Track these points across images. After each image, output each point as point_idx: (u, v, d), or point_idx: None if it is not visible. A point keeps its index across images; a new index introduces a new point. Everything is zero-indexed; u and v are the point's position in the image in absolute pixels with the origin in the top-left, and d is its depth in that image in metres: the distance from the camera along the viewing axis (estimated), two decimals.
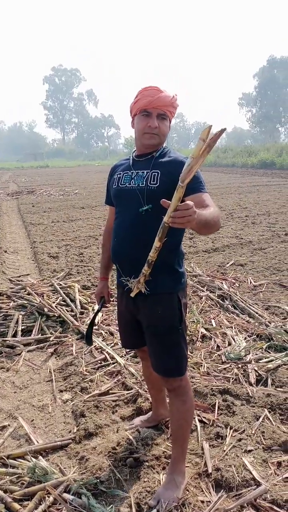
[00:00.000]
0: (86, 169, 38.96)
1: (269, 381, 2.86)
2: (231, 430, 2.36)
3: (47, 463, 2.15)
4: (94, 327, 3.41)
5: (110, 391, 2.85)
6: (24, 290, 4.49)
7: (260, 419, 2.44)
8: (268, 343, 3.37)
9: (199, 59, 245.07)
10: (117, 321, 2.48)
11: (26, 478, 2.06)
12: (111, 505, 1.90)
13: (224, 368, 3.06)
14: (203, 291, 4.64)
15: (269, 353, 3.26)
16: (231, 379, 2.91)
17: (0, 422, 2.61)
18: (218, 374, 2.98)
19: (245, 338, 3.49)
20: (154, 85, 1.85)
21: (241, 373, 2.97)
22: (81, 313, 4.15)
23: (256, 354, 3.22)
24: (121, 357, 3.27)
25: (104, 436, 2.41)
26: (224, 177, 22.59)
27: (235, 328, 3.71)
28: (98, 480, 2.03)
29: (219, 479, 2.01)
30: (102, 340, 3.55)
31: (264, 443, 2.26)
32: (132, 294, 1.80)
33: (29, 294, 4.35)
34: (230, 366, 3.08)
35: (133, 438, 2.33)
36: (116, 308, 2.22)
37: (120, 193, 1.93)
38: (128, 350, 3.31)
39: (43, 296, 4.31)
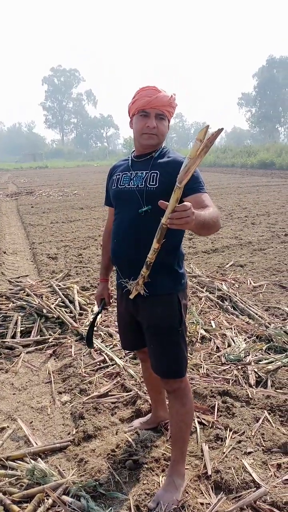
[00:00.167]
0: (85, 169, 38.96)
1: (269, 383, 2.85)
2: (231, 432, 2.36)
3: (46, 465, 2.14)
4: (94, 328, 3.41)
5: (109, 393, 2.85)
6: (23, 291, 4.48)
7: (260, 421, 2.44)
8: (268, 344, 3.36)
9: (199, 59, 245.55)
10: (116, 323, 2.48)
11: (25, 480, 2.06)
12: (110, 508, 1.89)
13: (224, 370, 3.05)
14: (202, 292, 4.63)
15: (269, 354, 3.25)
16: (230, 380, 2.90)
17: None
18: (218, 376, 2.97)
19: (245, 340, 3.49)
20: (152, 85, 1.84)
21: (241, 375, 2.96)
22: (80, 314, 4.14)
23: (256, 356, 3.21)
24: (120, 358, 3.26)
25: (103, 438, 2.40)
26: (224, 177, 22.59)
27: (234, 329, 3.71)
28: (97, 483, 2.03)
29: (218, 481, 2.00)
30: (101, 342, 3.55)
31: (264, 445, 2.26)
32: (131, 296, 1.80)
33: (28, 295, 4.34)
34: (230, 367, 3.07)
35: (132, 440, 2.32)
36: (116, 309, 2.21)
37: (119, 194, 1.92)
38: (127, 351, 3.31)
39: (42, 297, 4.30)
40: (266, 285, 4.93)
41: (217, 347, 3.40)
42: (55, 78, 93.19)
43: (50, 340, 3.67)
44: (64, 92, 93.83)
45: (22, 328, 3.81)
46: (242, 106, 75.91)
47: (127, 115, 1.94)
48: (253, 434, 2.34)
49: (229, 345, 3.41)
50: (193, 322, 3.74)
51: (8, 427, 2.57)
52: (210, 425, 2.45)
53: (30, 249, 7.49)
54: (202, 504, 1.90)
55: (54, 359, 3.46)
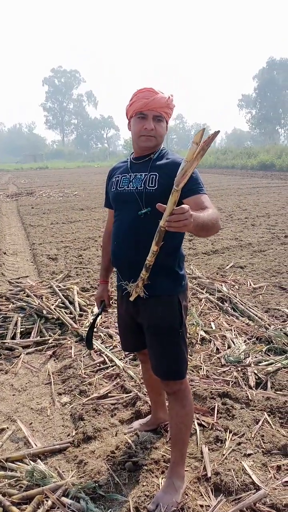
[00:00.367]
0: (85, 170, 38.98)
1: (269, 384, 2.85)
2: (231, 434, 2.35)
3: (46, 466, 2.14)
4: (94, 329, 3.41)
5: (109, 394, 2.84)
6: (23, 292, 4.48)
7: (260, 423, 2.44)
8: (268, 346, 3.36)
9: (199, 59, 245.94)
10: (116, 324, 2.47)
11: (24, 481, 2.05)
12: (110, 510, 1.89)
13: (224, 371, 3.05)
14: (202, 293, 4.63)
15: (269, 356, 3.25)
16: (230, 382, 2.90)
17: None
18: (218, 377, 2.97)
19: (245, 341, 3.49)
20: (150, 86, 1.83)
21: (241, 376, 2.96)
22: (80, 315, 4.14)
23: (256, 357, 3.21)
24: (120, 360, 3.26)
25: (102, 440, 2.40)
26: (224, 178, 22.59)
27: (234, 330, 3.71)
28: (96, 484, 2.02)
29: (218, 483, 2.00)
30: (101, 343, 3.54)
31: (264, 447, 2.26)
32: (131, 298, 1.80)
33: (28, 296, 4.34)
34: (230, 369, 3.07)
35: (132, 441, 2.32)
36: (116, 310, 2.21)
37: (118, 196, 1.92)
38: (127, 353, 3.30)
39: (42, 298, 4.30)
40: (266, 287, 4.93)
41: (217, 349, 3.40)
42: (56, 79, 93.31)
43: (50, 341, 3.67)
44: (64, 93, 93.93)
45: (22, 329, 3.80)
46: (242, 107, 75.98)
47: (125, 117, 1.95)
48: (253, 436, 2.34)
49: (229, 347, 3.41)
50: (193, 324, 3.74)
51: (7, 428, 2.57)
52: (210, 427, 2.44)
53: (30, 250, 7.49)
54: (201, 506, 1.89)
55: (54, 360, 3.46)
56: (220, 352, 3.34)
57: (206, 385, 2.86)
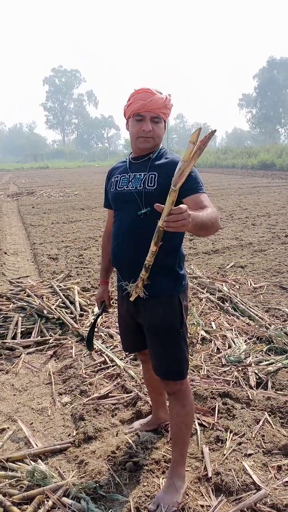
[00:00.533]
0: (86, 170, 38.99)
1: (269, 384, 2.85)
2: (231, 434, 2.35)
3: (46, 466, 2.14)
4: (94, 330, 3.41)
5: (110, 394, 2.84)
6: (23, 292, 4.48)
7: (260, 423, 2.43)
8: (269, 346, 3.36)
9: (199, 59, 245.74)
10: (117, 324, 2.47)
11: (25, 481, 2.05)
12: (110, 510, 1.89)
13: (224, 371, 3.05)
14: (203, 293, 4.63)
15: (270, 355, 3.25)
16: (231, 382, 2.90)
17: None
18: (218, 377, 2.97)
19: (245, 341, 3.48)
20: (147, 86, 1.82)
21: (241, 376, 2.96)
22: (81, 315, 4.14)
23: (256, 357, 3.21)
24: (120, 360, 3.26)
25: (103, 440, 2.40)
26: (224, 178, 22.58)
27: (235, 330, 3.70)
28: (97, 484, 2.03)
29: (219, 483, 2.00)
30: (101, 343, 3.54)
31: (264, 447, 2.25)
32: (131, 299, 1.80)
33: (28, 296, 4.34)
34: (230, 369, 3.07)
35: (132, 441, 2.32)
36: (117, 310, 2.21)
37: (118, 196, 1.92)
38: (128, 353, 3.30)
39: (42, 298, 4.30)
40: (267, 286, 4.93)
41: (218, 349, 3.40)
42: (56, 79, 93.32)
43: (50, 341, 3.67)
44: (65, 93, 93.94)
45: (22, 329, 3.80)
46: (243, 107, 75.92)
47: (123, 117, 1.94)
48: (253, 436, 2.33)
49: (229, 347, 3.41)
50: (194, 323, 3.74)
51: (8, 428, 2.57)
52: (211, 427, 2.44)
53: (31, 249, 7.49)
54: (202, 506, 1.89)
55: (55, 360, 3.46)
56: (221, 352, 3.34)
57: (207, 385, 2.86)
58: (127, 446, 2.30)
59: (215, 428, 2.42)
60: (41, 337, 3.74)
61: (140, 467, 2.14)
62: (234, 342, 3.46)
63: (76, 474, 2.13)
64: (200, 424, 2.47)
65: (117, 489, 2.02)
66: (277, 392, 2.77)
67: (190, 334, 3.55)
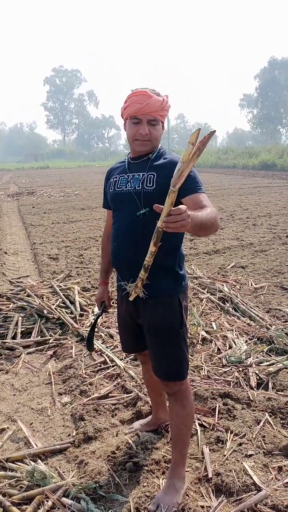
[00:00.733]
0: (86, 170, 38.99)
1: (270, 385, 2.84)
2: (232, 435, 2.34)
3: (46, 466, 2.13)
4: (95, 331, 3.40)
5: (110, 394, 2.84)
6: (24, 291, 4.48)
7: (261, 423, 2.43)
8: (269, 346, 3.35)
9: (199, 59, 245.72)
10: (117, 324, 2.46)
11: (25, 481, 2.05)
12: (110, 510, 1.89)
13: (225, 372, 3.04)
14: (203, 293, 4.62)
15: (270, 356, 3.24)
16: (231, 382, 2.89)
17: None
18: (219, 378, 2.96)
19: (246, 341, 3.48)
20: (145, 86, 1.81)
21: (242, 377, 2.95)
22: (81, 315, 4.14)
23: (257, 358, 3.20)
24: (121, 360, 3.25)
25: (103, 440, 2.39)
26: (225, 178, 22.57)
27: (236, 331, 3.70)
28: (97, 485, 2.02)
29: (219, 484, 1.99)
30: (102, 343, 3.54)
31: (265, 448, 2.25)
32: (130, 298, 1.79)
33: (28, 296, 4.34)
34: (231, 369, 3.06)
35: (132, 442, 2.31)
36: (116, 310, 2.20)
37: (117, 197, 1.91)
38: (128, 354, 3.29)
39: (42, 298, 4.30)
40: (268, 287, 4.92)
41: (218, 349, 3.39)
42: (57, 79, 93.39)
43: (50, 341, 3.66)
44: (65, 93, 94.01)
45: (22, 329, 3.80)
46: (244, 107, 75.93)
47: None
48: (254, 436, 2.33)
49: (230, 347, 3.40)
50: (194, 324, 3.73)
51: (8, 428, 2.56)
52: (211, 428, 2.44)
53: (31, 249, 7.49)
54: (202, 507, 1.88)
55: (55, 360, 3.45)
56: (221, 352, 3.33)
57: (207, 385, 2.85)
58: (127, 446, 2.29)
59: (215, 429, 2.42)
60: (41, 337, 3.74)
61: (140, 467, 2.14)
62: (234, 342, 3.45)
63: (76, 474, 2.12)
64: (201, 425, 2.46)
65: (117, 489, 2.02)
66: (278, 392, 2.76)
67: (190, 334, 3.55)
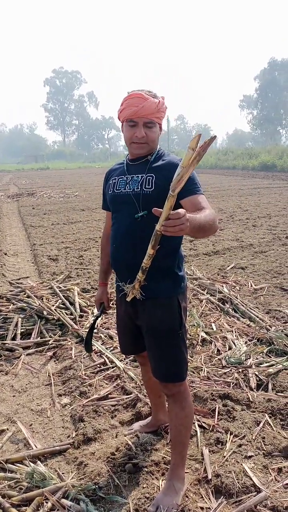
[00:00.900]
0: (86, 171, 39.00)
1: (270, 386, 2.84)
2: (231, 436, 2.34)
3: (46, 468, 2.13)
4: (93, 332, 3.39)
5: (109, 396, 2.83)
6: (23, 293, 4.48)
7: (261, 425, 2.43)
8: (269, 347, 3.35)
9: (199, 59, 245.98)
10: (116, 325, 2.46)
11: (24, 483, 2.05)
12: (110, 511, 1.88)
13: (225, 373, 3.04)
14: (203, 294, 4.62)
15: (270, 357, 3.24)
16: (231, 383, 2.89)
17: None
18: (218, 379, 2.96)
19: (246, 342, 3.48)
20: (140, 89, 1.80)
21: (242, 378, 2.95)
22: (81, 316, 4.14)
23: (257, 359, 3.20)
24: (120, 361, 3.25)
25: (103, 441, 2.39)
26: (225, 179, 22.57)
27: (235, 332, 3.70)
28: (96, 486, 2.02)
29: (219, 486, 1.99)
30: (101, 344, 3.54)
31: (265, 449, 2.25)
32: (128, 299, 1.79)
33: (28, 297, 4.34)
34: (231, 370, 3.06)
35: (132, 443, 2.31)
36: (116, 312, 2.20)
37: (115, 199, 1.92)
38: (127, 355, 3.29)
39: (42, 299, 4.30)
40: (267, 288, 4.92)
41: (218, 350, 3.39)
42: (57, 80, 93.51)
43: (50, 342, 3.66)
44: (65, 94, 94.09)
45: (22, 330, 3.80)
46: (244, 108, 75.99)
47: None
48: (253, 437, 2.33)
49: (230, 348, 3.40)
50: (194, 325, 3.73)
51: (7, 429, 2.56)
52: (211, 429, 2.43)
53: (31, 250, 7.49)
54: (202, 508, 1.88)
55: (54, 361, 3.45)
56: (221, 353, 3.33)
57: (207, 386, 2.85)
58: (126, 447, 2.29)
59: (215, 430, 2.41)
60: (40, 338, 3.74)
61: (140, 468, 2.14)
62: (234, 343, 3.45)
63: (76, 475, 2.12)
64: (200, 426, 2.46)
65: (117, 490, 2.01)
66: (278, 394, 2.76)
67: (190, 335, 3.55)
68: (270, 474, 2.07)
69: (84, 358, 3.36)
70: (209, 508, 1.88)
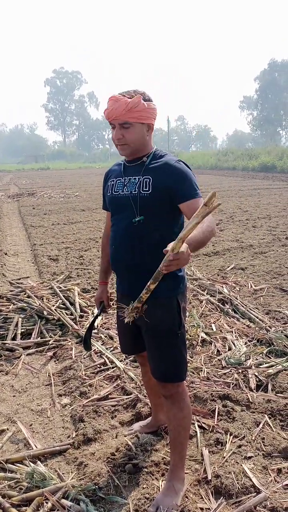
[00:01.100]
0: (87, 171, 38.99)
1: (270, 387, 2.84)
2: (231, 436, 2.35)
3: (46, 468, 2.13)
4: (93, 331, 3.40)
5: (109, 396, 2.84)
6: (24, 293, 4.48)
7: (260, 425, 2.43)
8: (269, 348, 3.35)
9: (199, 59, 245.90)
10: (116, 325, 2.47)
11: (24, 483, 2.05)
12: None
13: (224, 373, 3.05)
14: (203, 295, 4.63)
15: (270, 358, 3.24)
16: (231, 384, 2.89)
17: None
18: (218, 379, 2.96)
19: (246, 343, 3.48)
20: (122, 91, 1.80)
21: (241, 378, 2.95)
22: (81, 316, 4.14)
23: (257, 359, 3.20)
24: (120, 361, 3.25)
25: (103, 442, 2.39)
26: (225, 180, 22.58)
27: (235, 332, 3.70)
28: (96, 486, 2.02)
29: (218, 486, 1.99)
30: (101, 344, 3.54)
31: (264, 450, 2.25)
32: (126, 321, 1.78)
33: (28, 297, 4.34)
34: (230, 371, 3.06)
35: (132, 443, 2.31)
36: (116, 312, 2.20)
37: (114, 201, 1.93)
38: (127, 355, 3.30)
39: (42, 299, 4.30)
40: (267, 289, 4.93)
41: (218, 351, 3.39)
42: (58, 80, 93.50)
43: (50, 342, 3.67)
44: (66, 94, 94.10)
45: (22, 330, 3.80)
46: (244, 109, 75.98)
47: None
48: (253, 438, 2.33)
49: (229, 349, 3.40)
50: (194, 325, 3.74)
51: (7, 429, 2.56)
52: (210, 429, 2.44)
53: (31, 250, 7.50)
54: (202, 509, 1.89)
55: (55, 361, 3.46)
56: (221, 354, 3.33)
57: (207, 387, 2.86)
58: (126, 448, 2.29)
59: (215, 431, 2.42)
60: (41, 338, 3.74)
61: (140, 469, 2.14)
62: (234, 344, 3.45)
63: (76, 476, 2.12)
64: (200, 427, 2.46)
65: (117, 491, 2.02)
66: (277, 394, 2.76)
67: (190, 336, 3.55)
68: (270, 475, 2.07)
69: (84, 358, 3.36)
70: (208, 508, 1.88)
